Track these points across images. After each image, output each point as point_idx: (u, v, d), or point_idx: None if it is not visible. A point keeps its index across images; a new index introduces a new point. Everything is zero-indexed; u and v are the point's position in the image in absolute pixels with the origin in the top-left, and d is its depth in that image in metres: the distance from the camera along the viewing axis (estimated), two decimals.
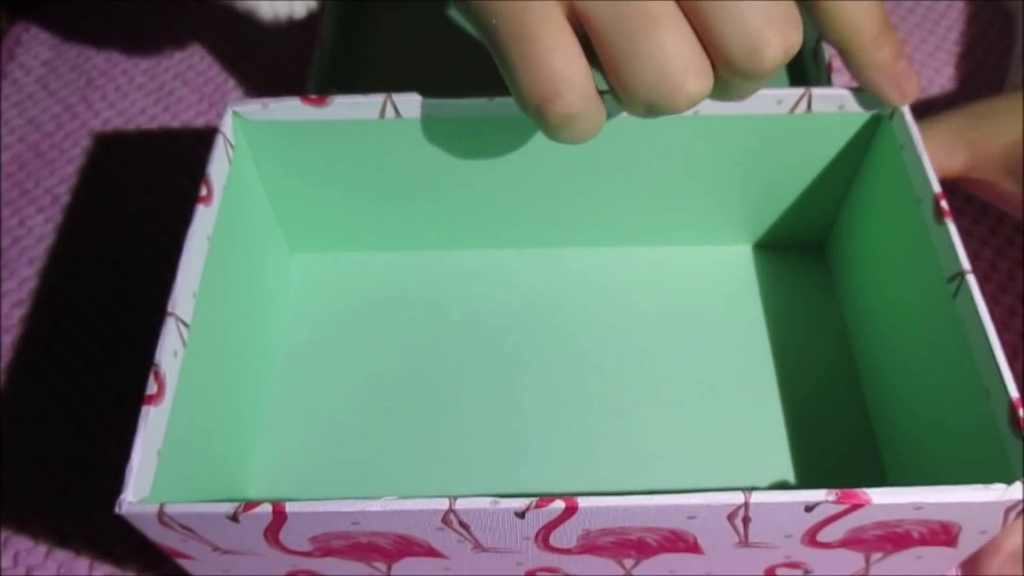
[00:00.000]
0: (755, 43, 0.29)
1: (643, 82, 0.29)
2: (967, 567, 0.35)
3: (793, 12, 0.31)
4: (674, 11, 0.29)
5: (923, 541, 0.30)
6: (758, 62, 0.30)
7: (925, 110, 0.52)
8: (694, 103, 0.30)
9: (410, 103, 0.36)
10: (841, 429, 0.38)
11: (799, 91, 0.36)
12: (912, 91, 0.35)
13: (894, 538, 0.30)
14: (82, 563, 0.37)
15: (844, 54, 0.34)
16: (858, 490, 0.27)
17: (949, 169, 0.39)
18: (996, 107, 0.40)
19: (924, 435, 0.34)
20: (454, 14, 0.52)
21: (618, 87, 0.30)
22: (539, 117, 0.30)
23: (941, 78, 0.53)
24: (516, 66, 0.30)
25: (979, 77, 0.53)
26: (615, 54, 0.29)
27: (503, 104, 0.36)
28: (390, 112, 0.36)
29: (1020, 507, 0.28)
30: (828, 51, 0.44)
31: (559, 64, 0.29)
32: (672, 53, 0.29)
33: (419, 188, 0.40)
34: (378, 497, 0.27)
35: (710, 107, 0.36)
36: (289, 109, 0.36)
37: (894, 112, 0.36)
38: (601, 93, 0.31)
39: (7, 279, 0.45)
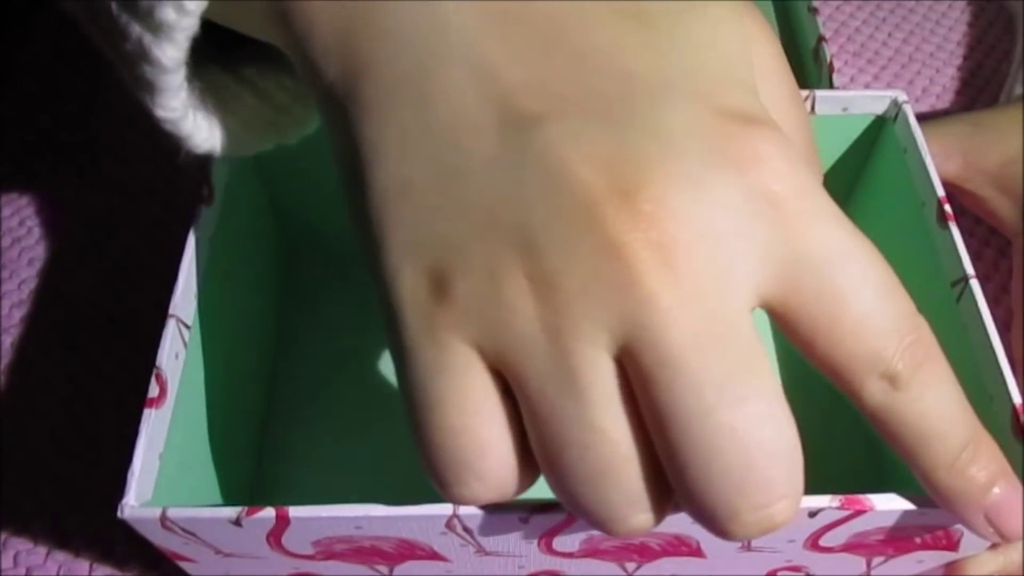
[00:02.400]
0: (723, 513, 0.22)
1: (579, 491, 0.23)
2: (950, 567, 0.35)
3: (795, 482, 0.23)
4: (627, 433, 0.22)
5: (925, 546, 0.30)
6: (720, 532, 0.23)
7: (926, 111, 0.52)
8: (636, 535, 0.25)
9: None
10: (843, 432, 0.38)
11: (803, 93, 0.36)
12: (1010, 528, 0.25)
13: (896, 543, 0.30)
14: (82, 564, 0.37)
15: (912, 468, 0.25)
16: (862, 496, 0.27)
17: (942, 175, 0.39)
18: (996, 119, 0.40)
19: None
20: None
21: (548, 477, 0.23)
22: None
23: (942, 78, 0.53)
24: (416, 428, 0.24)
25: (980, 78, 0.53)
26: (549, 441, 0.22)
27: None
28: None
29: None
30: (829, 51, 0.44)
31: (467, 449, 0.23)
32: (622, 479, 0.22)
33: None
34: (382, 502, 0.27)
35: None
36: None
37: (897, 114, 0.36)
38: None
39: (7, 279, 0.45)
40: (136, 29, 0.24)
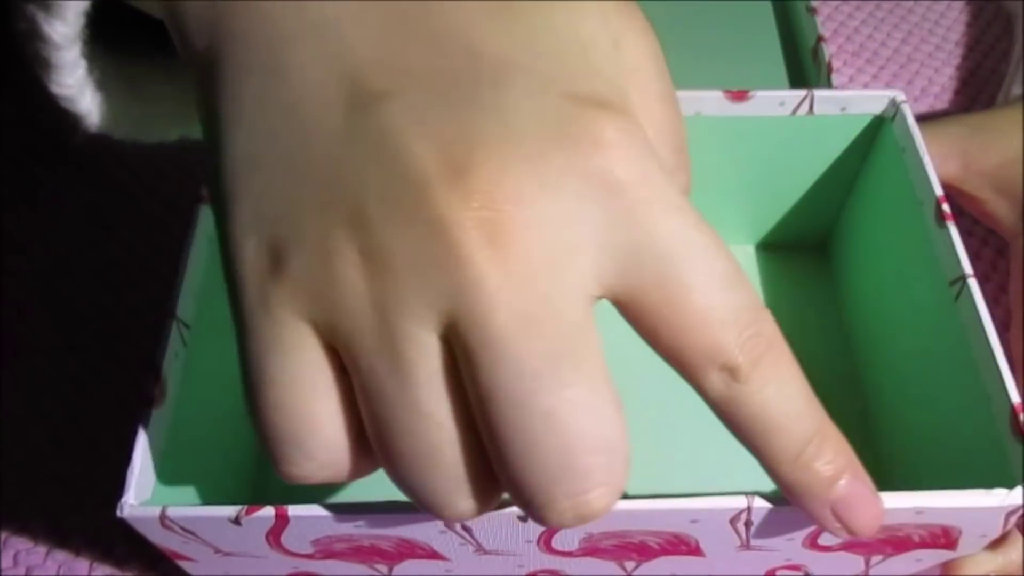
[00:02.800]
0: (540, 499, 0.22)
1: (405, 474, 0.22)
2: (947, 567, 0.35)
3: (615, 472, 0.22)
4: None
5: (923, 544, 0.30)
6: (538, 519, 0.22)
7: (925, 111, 0.52)
8: (463, 519, 0.24)
9: None
10: (841, 430, 0.38)
11: (801, 93, 0.36)
12: (860, 522, 0.25)
13: (894, 541, 0.30)
14: (82, 563, 0.37)
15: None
16: None
17: (940, 177, 0.39)
18: (994, 121, 0.40)
19: (924, 438, 0.34)
20: None
21: (379, 458, 0.23)
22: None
23: (940, 78, 0.53)
24: (250, 404, 0.23)
25: (978, 78, 0.53)
26: (377, 421, 0.22)
27: None
28: None
29: (1020, 512, 0.28)
30: (828, 51, 0.44)
31: (297, 427, 0.22)
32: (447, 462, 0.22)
33: None
34: (381, 500, 0.27)
35: (711, 108, 0.36)
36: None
37: (896, 114, 0.36)
38: None
39: (7, 279, 0.45)
40: (29, 7, 0.25)
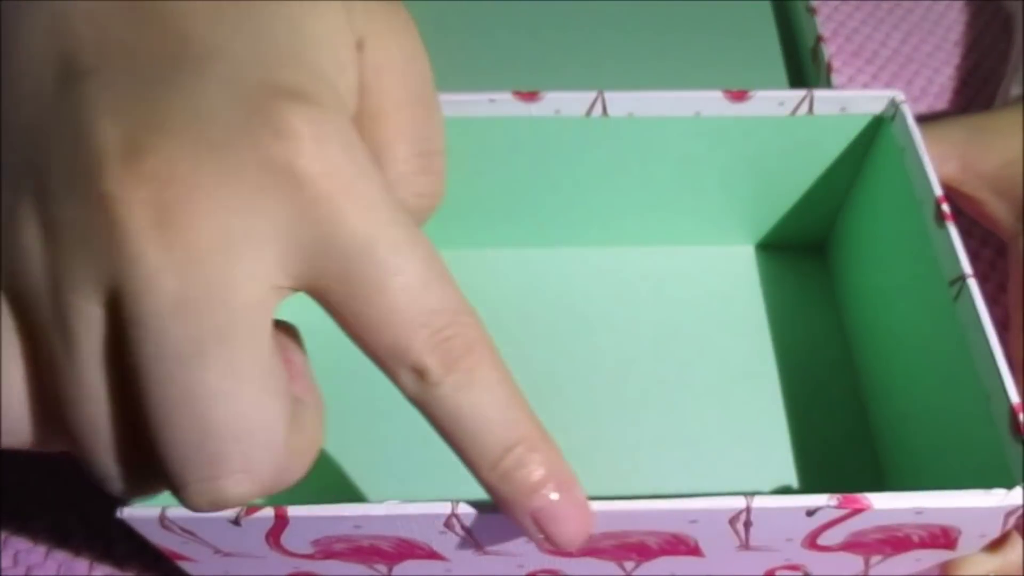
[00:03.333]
0: (177, 481, 0.22)
1: (76, 448, 0.24)
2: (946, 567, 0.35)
3: (252, 460, 0.22)
4: None
5: (923, 544, 0.30)
6: (179, 501, 0.23)
7: (924, 111, 0.52)
8: (129, 497, 0.24)
9: None
10: (841, 431, 0.38)
11: (801, 93, 0.36)
12: (563, 536, 0.25)
13: (894, 541, 0.30)
14: (82, 563, 0.37)
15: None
16: (859, 495, 0.27)
17: (939, 177, 0.39)
18: (995, 123, 0.40)
19: (924, 438, 0.34)
20: (455, 14, 0.52)
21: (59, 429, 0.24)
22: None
23: (940, 78, 0.53)
24: None
25: (977, 78, 0.53)
26: (52, 393, 0.23)
27: (503, 104, 0.36)
28: None
29: (1020, 512, 0.28)
30: (827, 51, 0.44)
31: None
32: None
33: None
34: (381, 501, 0.27)
35: (711, 108, 0.36)
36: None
37: (895, 114, 0.36)
38: None
39: None
40: None
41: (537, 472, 0.24)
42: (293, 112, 0.22)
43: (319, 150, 0.22)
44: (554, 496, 0.25)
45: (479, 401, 0.24)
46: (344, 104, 0.24)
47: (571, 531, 0.25)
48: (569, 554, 0.30)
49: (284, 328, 0.27)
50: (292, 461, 0.24)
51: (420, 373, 0.24)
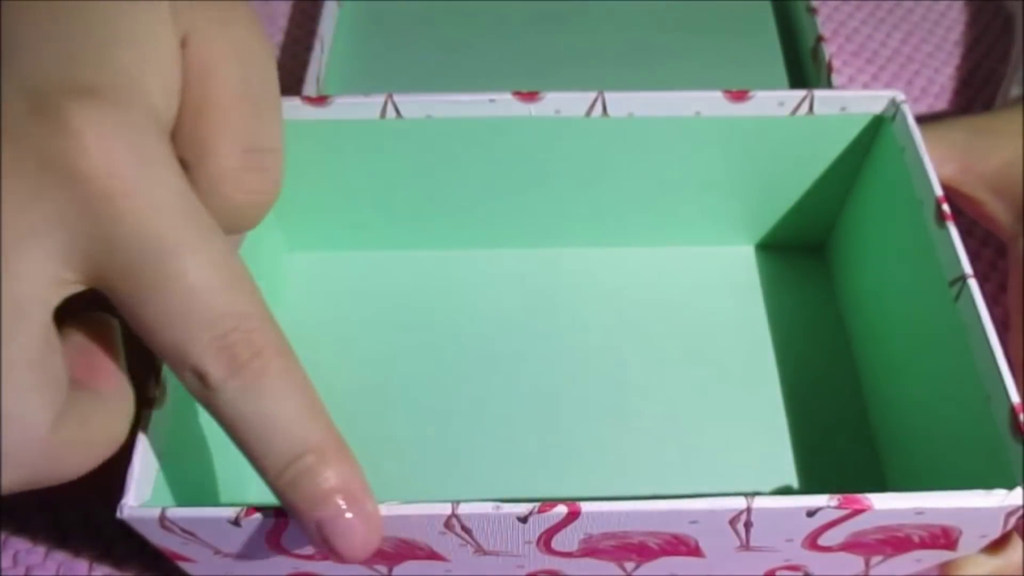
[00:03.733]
0: None
1: None
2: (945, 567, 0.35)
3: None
4: None
5: (923, 544, 0.30)
6: None
7: (925, 111, 0.52)
8: None
9: (410, 103, 0.36)
10: (841, 431, 0.38)
11: (801, 93, 0.36)
12: (347, 552, 0.26)
13: (894, 542, 0.30)
14: (81, 563, 0.37)
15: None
16: (860, 495, 0.27)
17: (939, 178, 0.39)
18: (994, 124, 0.40)
19: (924, 438, 0.34)
20: (456, 14, 0.52)
21: None
22: None
23: (941, 78, 0.53)
24: None
25: (978, 78, 0.53)
26: None
27: (503, 104, 0.36)
28: (390, 112, 0.36)
29: (1020, 512, 0.28)
30: (828, 51, 0.44)
31: None
32: None
33: (419, 188, 0.40)
34: (380, 501, 0.27)
35: (711, 108, 0.36)
36: (289, 109, 0.36)
37: (896, 114, 0.36)
38: None
39: None
40: None
41: (325, 483, 0.25)
42: (79, 110, 0.22)
43: (102, 148, 0.22)
44: (342, 506, 0.25)
45: (265, 408, 0.24)
46: (150, 103, 0.24)
47: (355, 544, 0.25)
48: (569, 554, 0.30)
49: (92, 320, 0.27)
50: (65, 453, 0.24)
51: (201, 377, 0.24)
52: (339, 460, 0.25)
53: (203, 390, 0.24)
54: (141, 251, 0.23)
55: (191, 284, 0.23)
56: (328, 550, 0.25)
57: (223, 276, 0.24)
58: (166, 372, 0.29)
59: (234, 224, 0.28)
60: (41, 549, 0.37)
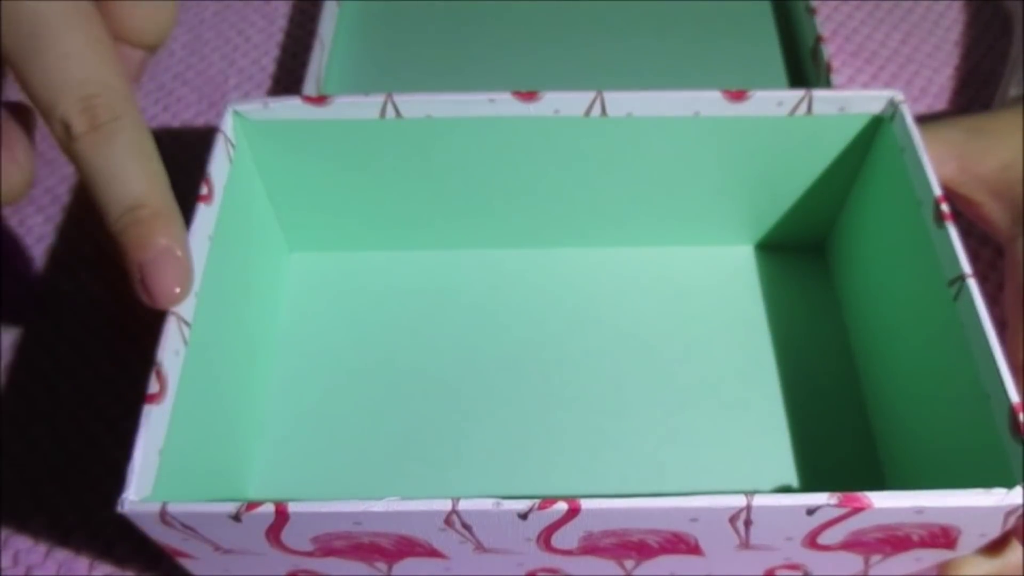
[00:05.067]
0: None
1: None
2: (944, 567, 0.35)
3: None
4: None
5: (923, 543, 0.30)
6: None
7: (924, 111, 0.52)
8: None
9: (410, 103, 0.36)
10: (841, 431, 0.38)
11: (800, 93, 0.36)
12: (159, 296, 0.30)
13: (894, 541, 0.30)
14: (82, 562, 0.37)
15: None
16: (860, 494, 0.27)
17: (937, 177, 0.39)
18: (993, 125, 0.40)
19: (924, 438, 0.34)
20: (455, 14, 0.52)
21: None
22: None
23: (940, 78, 0.53)
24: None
25: (977, 78, 0.53)
26: None
27: (503, 104, 0.36)
28: (390, 112, 0.36)
29: (1020, 511, 0.28)
30: (827, 51, 0.44)
31: None
32: None
33: (419, 188, 0.40)
34: (381, 498, 0.27)
35: (711, 108, 0.36)
36: (290, 109, 0.36)
37: (895, 114, 0.36)
38: None
39: (7, 279, 0.45)
40: None
41: (151, 233, 0.29)
42: None
43: None
44: (162, 252, 0.29)
45: (114, 161, 0.29)
46: None
47: (167, 282, 0.30)
48: (569, 552, 0.30)
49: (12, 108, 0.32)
50: None
51: (65, 127, 0.29)
52: (166, 215, 0.30)
53: (66, 140, 0.29)
54: (29, 20, 0.28)
55: (65, 52, 0.28)
56: (145, 291, 0.30)
57: (97, 52, 0.29)
58: (166, 368, 0.30)
59: (136, 39, 0.33)
60: (41, 549, 0.38)
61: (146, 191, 0.29)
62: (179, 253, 0.30)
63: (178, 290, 0.30)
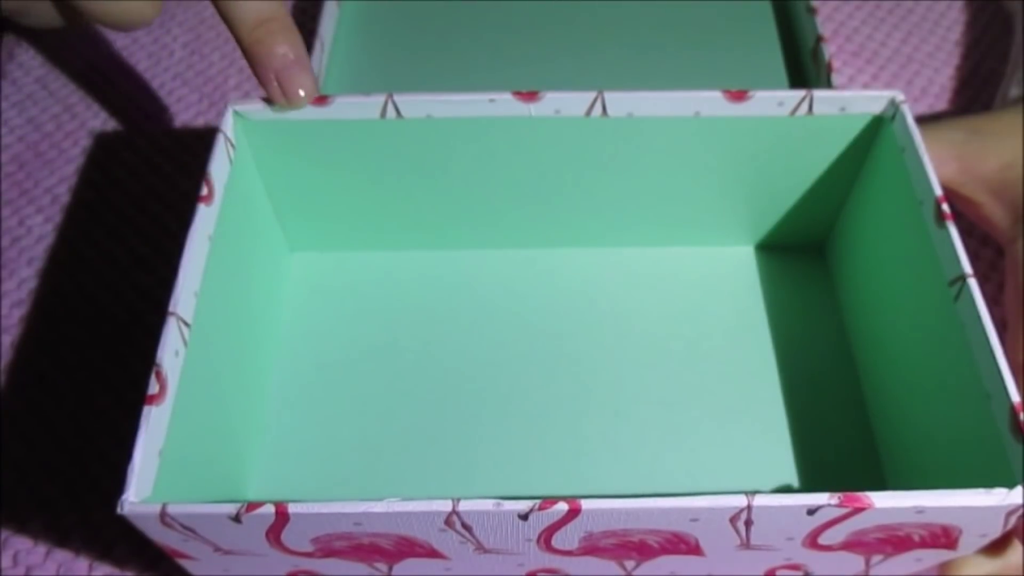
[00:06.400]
0: None
1: None
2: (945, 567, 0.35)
3: None
4: None
5: (923, 544, 0.30)
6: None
7: (925, 111, 0.52)
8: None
9: (410, 103, 0.36)
10: (841, 431, 0.38)
11: (800, 93, 0.36)
12: (293, 95, 0.35)
13: (895, 541, 0.30)
14: (81, 563, 0.37)
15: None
16: (860, 494, 0.27)
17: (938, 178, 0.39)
18: (992, 125, 0.40)
19: (924, 438, 0.34)
20: (455, 14, 0.52)
21: None
22: None
23: (940, 78, 0.53)
24: None
25: (978, 78, 0.53)
26: None
27: (503, 104, 0.36)
28: (391, 112, 0.36)
29: (1020, 511, 0.28)
30: (828, 51, 0.44)
31: None
32: None
33: (419, 188, 0.40)
34: (381, 498, 0.27)
35: (711, 108, 0.36)
36: (290, 109, 0.36)
37: (895, 114, 0.36)
38: None
39: (7, 279, 0.45)
40: None
41: (284, 42, 0.34)
42: None
43: None
44: (291, 61, 0.34)
45: None
46: None
47: (302, 84, 0.35)
48: (570, 552, 0.30)
49: None
50: None
51: None
52: (292, 31, 0.34)
53: None
54: None
55: None
56: (282, 94, 0.34)
57: None
58: (166, 369, 0.29)
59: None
60: (41, 549, 0.38)
61: (272, 6, 0.34)
62: (305, 61, 0.34)
63: (303, 93, 0.35)
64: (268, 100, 0.35)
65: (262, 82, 0.34)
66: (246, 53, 0.34)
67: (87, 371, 0.42)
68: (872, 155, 0.38)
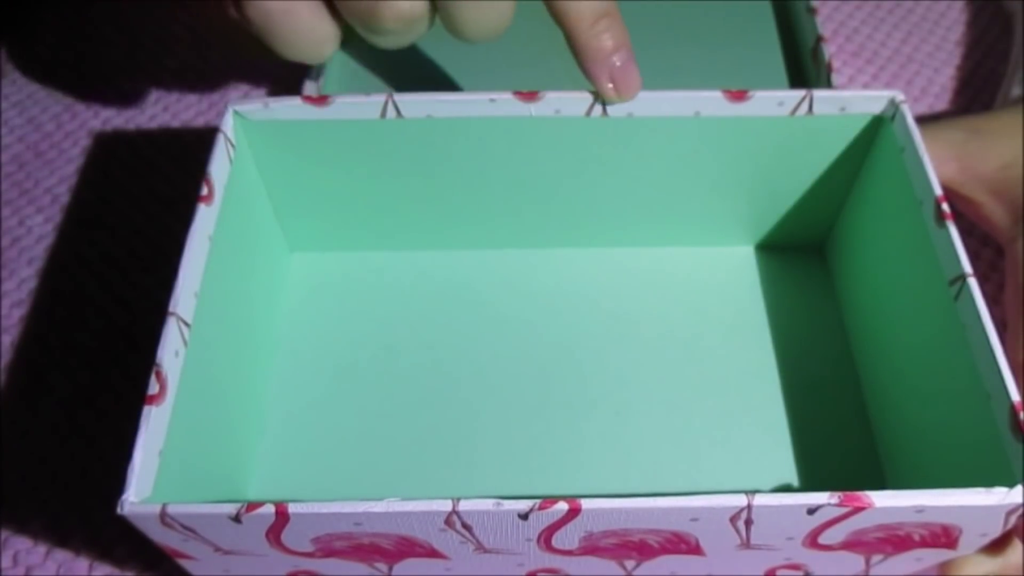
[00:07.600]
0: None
1: None
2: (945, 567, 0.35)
3: None
4: None
5: (924, 543, 0.30)
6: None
7: (925, 111, 0.52)
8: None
9: (410, 103, 0.36)
10: (841, 430, 0.38)
11: (800, 93, 0.36)
12: (627, 90, 0.35)
13: (895, 540, 0.30)
14: (82, 563, 0.37)
15: (564, 34, 0.35)
16: (860, 493, 0.27)
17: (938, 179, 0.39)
18: (992, 125, 0.40)
19: (924, 437, 0.34)
20: None
21: None
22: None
23: (941, 78, 0.53)
24: None
25: (978, 78, 0.53)
26: None
27: (503, 104, 0.36)
28: (391, 112, 0.36)
29: (1021, 510, 0.28)
30: (828, 51, 0.44)
31: None
32: None
33: (419, 188, 0.40)
34: (381, 498, 0.27)
35: (711, 108, 0.36)
36: (290, 109, 0.36)
37: (895, 114, 0.36)
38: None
39: (7, 279, 0.45)
40: None
41: (620, 37, 0.34)
42: None
43: None
44: (627, 56, 0.34)
45: None
46: None
47: (632, 84, 0.35)
48: (570, 552, 0.30)
49: None
50: None
51: None
52: (624, 27, 0.34)
53: None
54: None
55: None
56: (615, 91, 0.35)
57: None
58: (166, 369, 0.29)
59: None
60: (41, 549, 0.38)
61: (607, 3, 0.34)
62: (634, 57, 0.35)
63: (637, 87, 0.35)
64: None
65: (593, 76, 0.35)
66: (581, 48, 0.34)
67: (87, 371, 0.42)
68: (872, 155, 0.38)
